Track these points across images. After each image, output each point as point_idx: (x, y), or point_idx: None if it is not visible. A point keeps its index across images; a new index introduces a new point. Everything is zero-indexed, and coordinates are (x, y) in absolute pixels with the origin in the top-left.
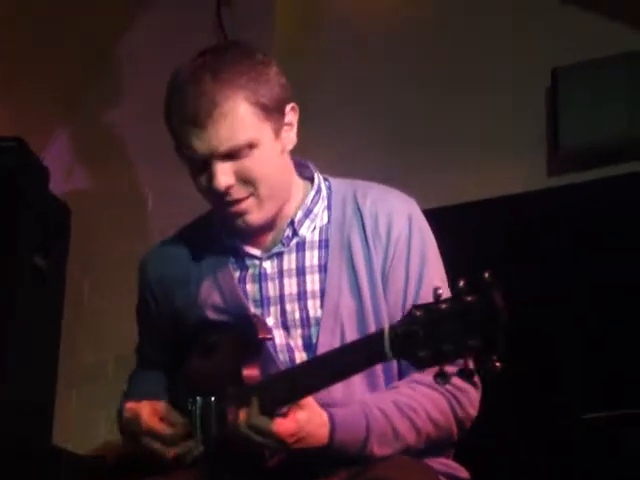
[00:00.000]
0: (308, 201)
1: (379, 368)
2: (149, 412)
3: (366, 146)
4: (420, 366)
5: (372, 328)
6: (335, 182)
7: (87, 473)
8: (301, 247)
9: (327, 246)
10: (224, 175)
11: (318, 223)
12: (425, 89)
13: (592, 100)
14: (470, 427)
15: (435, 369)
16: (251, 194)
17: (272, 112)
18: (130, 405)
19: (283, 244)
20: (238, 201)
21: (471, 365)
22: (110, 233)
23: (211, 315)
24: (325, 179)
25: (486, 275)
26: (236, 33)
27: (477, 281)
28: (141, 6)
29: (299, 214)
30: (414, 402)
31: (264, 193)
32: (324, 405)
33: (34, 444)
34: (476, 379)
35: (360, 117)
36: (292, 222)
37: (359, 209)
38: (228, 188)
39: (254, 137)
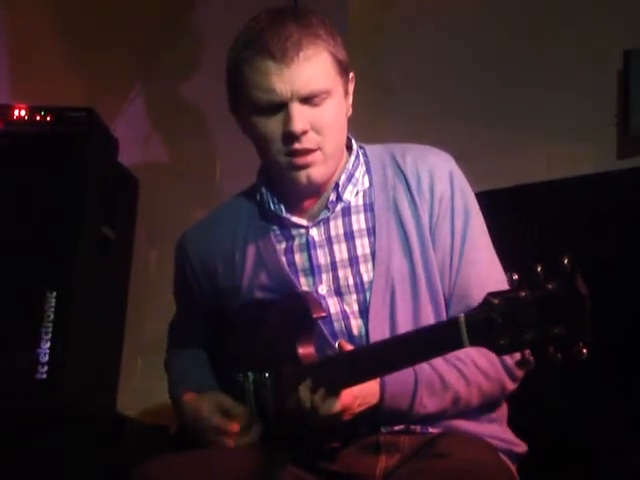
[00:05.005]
0: (350, 165)
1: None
2: (210, 408)
3: (435, 125)
4: (500, 353)
5: (424, 288)
6: (370, 148)
7: (149, 441)
8: (347, 212)
9: (372, 209)
10: (301, 118)
11: (360, 187)
12: (497, 69)
13: None
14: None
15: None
16: (319, 148)
17: (344, 70)
18: (188, 398)
19: (328, 209)
20: (307, 151)
21: (530, 356)
22: (177, 205)
23: (260, 295)
24: (360, 146)
25: (566, 260)
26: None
27: (556, 266)
28: None
29: (342, 178)
30: (459, 352)
31: (329, 149)
32: None
33: (99, 410)
34: None
35: (431, 95)
36: (337, 185)
37: (401, 169)
38: (303, 133)
39: (331, 86)
